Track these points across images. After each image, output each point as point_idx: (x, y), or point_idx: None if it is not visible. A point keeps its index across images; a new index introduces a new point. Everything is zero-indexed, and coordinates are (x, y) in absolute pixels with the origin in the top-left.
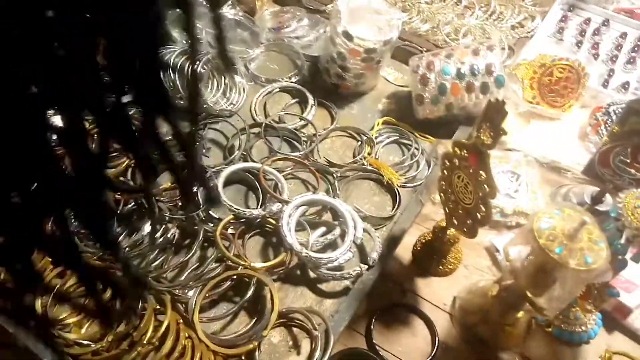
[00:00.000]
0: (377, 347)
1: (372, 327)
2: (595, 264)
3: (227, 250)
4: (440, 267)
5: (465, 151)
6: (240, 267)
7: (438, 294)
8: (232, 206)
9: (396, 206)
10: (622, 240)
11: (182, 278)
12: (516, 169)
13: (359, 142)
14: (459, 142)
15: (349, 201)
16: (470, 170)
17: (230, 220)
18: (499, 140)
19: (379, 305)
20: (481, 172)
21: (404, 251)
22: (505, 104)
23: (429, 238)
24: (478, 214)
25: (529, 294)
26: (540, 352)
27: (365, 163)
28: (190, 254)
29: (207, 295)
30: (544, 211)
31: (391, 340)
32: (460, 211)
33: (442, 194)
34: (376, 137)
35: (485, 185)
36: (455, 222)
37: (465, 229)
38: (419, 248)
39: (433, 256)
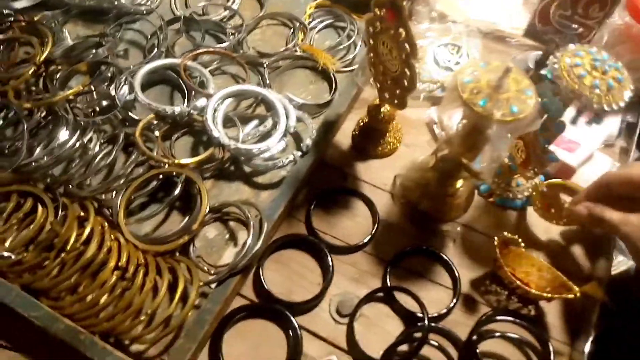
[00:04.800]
0: (316, 231)
1: (311, 212)
2: (522, 113)
3: (150, 151)
4: (380, 148)
5: (383, 10)
6: (165, 165)
7: (379, 175)
8: (152, 104)
9: (332, 92)
10: (558, 103)
11: (105, 183)
12: (457, 41)
13: (292, 30)
14: (377, 1)
15: (284, 91)
16: (392, 32)
17: (152, 120)
18: None
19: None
20: (400, 29)
21: (345, 138)
22: None
23: (366, 120)
24: (405, 80)
25: (464, 160)
26: (483, 220)
27: (299, 50)
28: (111, 157)
29: (132, 197)
30: (468, 65)
31: (332, 224)
32: (389, 82)
33: (371, 68)
34: (309, 23)
35: (406, 44)
36: (387, 96)
37: (395, 101)
38: (357, 132)
39: (371, 138)
